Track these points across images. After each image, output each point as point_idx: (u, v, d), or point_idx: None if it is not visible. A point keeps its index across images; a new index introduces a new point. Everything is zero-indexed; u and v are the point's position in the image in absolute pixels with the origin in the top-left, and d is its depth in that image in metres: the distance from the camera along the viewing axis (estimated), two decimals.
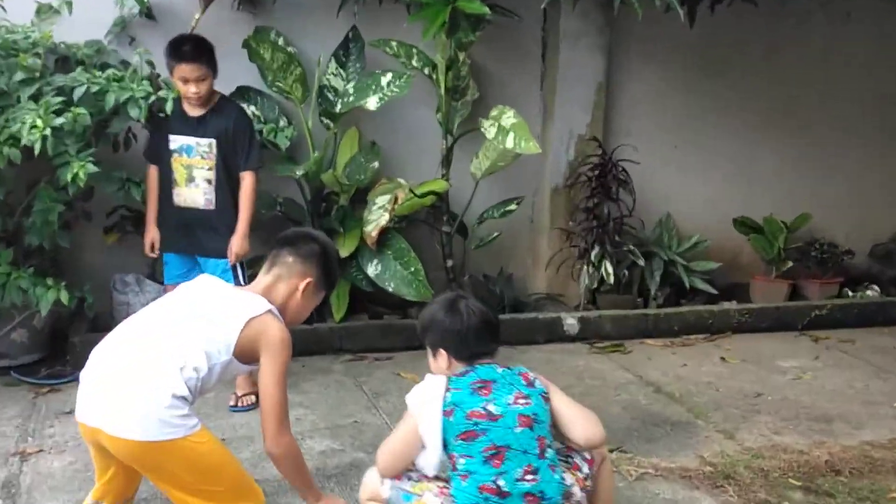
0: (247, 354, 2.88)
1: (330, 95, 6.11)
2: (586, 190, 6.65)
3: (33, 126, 4.49)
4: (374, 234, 5.75)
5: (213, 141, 4.88)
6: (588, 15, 6.52)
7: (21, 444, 4.49)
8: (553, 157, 6.67)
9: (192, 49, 4.78)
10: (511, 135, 5.69)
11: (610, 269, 6.47)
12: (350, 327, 6.04)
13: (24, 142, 4.50)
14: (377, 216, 5.75)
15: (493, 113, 5.83)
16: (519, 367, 3.16)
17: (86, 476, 4.07)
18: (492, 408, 3.01)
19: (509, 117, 5.73)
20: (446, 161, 6.31)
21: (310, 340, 5.91)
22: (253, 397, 5.05)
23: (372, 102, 5.89)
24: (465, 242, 6.51)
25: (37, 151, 4.50)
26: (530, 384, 3.10)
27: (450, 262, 6.34)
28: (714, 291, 6.89)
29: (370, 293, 6.13)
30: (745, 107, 7.22)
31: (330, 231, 5.90)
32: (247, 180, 4.93)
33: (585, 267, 6.55)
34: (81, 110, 4.74)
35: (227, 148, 4.90)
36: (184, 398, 2.71)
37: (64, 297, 4.90)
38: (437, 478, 3.09)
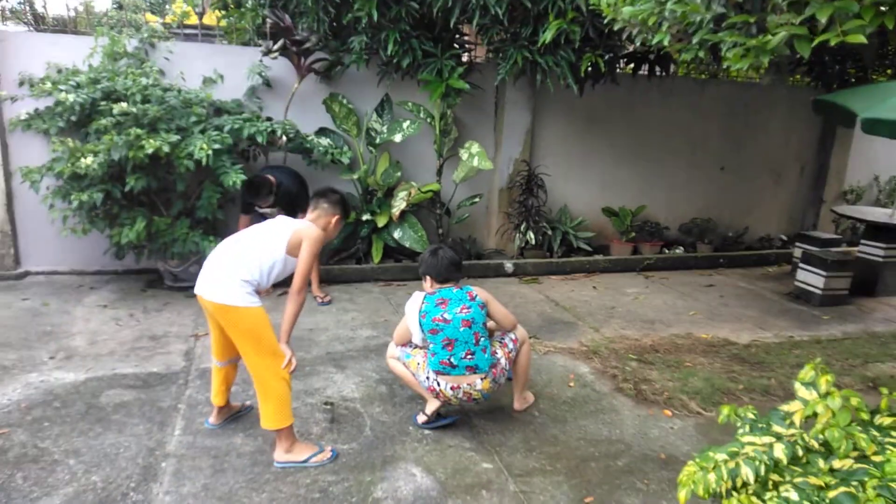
0: (295, 251, 2.85)
1: (372, 133, 6.07)
2: (519, 190, 6.65)
3: (201, 148, 4.47)
4: (397, 213, 5.75)
5: (279, 209, 4.89)
6: (522, 89, 6.48)
7: (194, 331, 4.53)
8: (500, 171, 6.66)
9: (256, 191, 4.75)
10: (476, 157, 5.70)
11: (531, 236, 6.51)
12: (383, 267, 6.05)
13: (196, 157, 4.48)
14: (399, 203, 5.75)
15: (466, 145, 5.84)
16: (468, 287, 3.21)
17: None
18: (447, 316, 3.10)
19: (475, 147, 5.74)
20: (439, 172, 6.30)
21: (360, 274, 5.95)
22: (329, 297, 5.17)
23: (398, 137, 5.86)
24: (449, 220, 6.51)
25: (203, 163, 4.49)
26: (472, 299, 3.17)
27: (441, 231, 6.36)
28: (590, 249, 6.92)
29: (394, 248, 6.13)
30: (611, 144, 7.22)
31: (372, 211, 5.93)
32: (299, 216, 4.87)
33: (517, 234, 6.58)
34: (227, 135, 4.72)
35: (290, 205, 4.92)
36: (249, 282, 2.75)
37: None
38: (422, 347, 3.21)
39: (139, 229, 4.58)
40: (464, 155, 5.77)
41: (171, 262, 5.25)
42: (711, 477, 1.78)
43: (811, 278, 6.04)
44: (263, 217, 4.99)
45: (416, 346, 3.24)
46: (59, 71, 5.17)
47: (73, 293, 5.26)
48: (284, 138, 5.12)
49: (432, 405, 3.20)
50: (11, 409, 3.28)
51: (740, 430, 2.23)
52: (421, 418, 3.25)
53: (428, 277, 3.27)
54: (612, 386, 3.90)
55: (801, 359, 4.47)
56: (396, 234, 5.92)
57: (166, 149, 4.35)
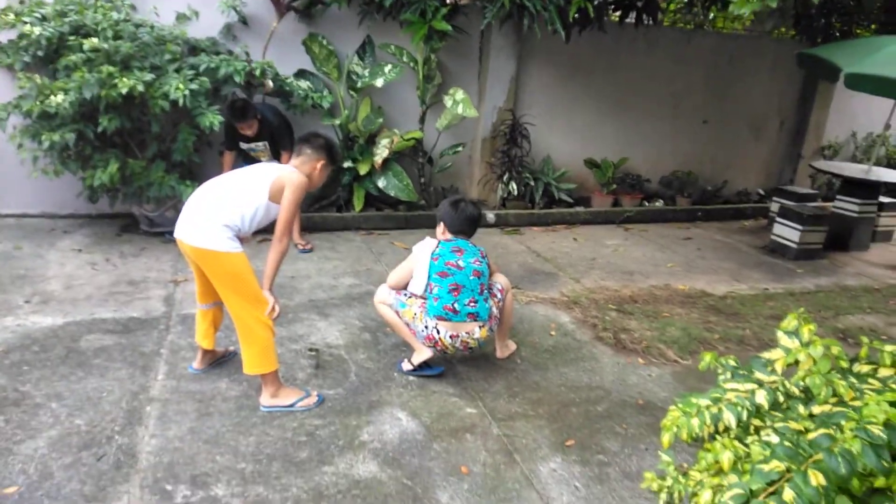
0: (277, 197, 2.77)
1: (354, 77, 5.90)
2: (502, 140, 6.58)
3: (177, 88, 4.31)
4: (380, 161, 5.67)
5: (265, 142, 4.86)
6: (507, 35, 6.34)
7: (173, 276, 4.47)
8: (483, 120, 6.54)
9: (241, 111, 4.58)
10: (461, 104, 5.61)
11: (514, 187, 6.49)
12: (365, 216, 5.99)
13: (171, 97, 4.33)
14: (382, 151, 5.66)
15: (451, 91, 5.73)
16: (481, 247, 3.27)
17: None
18: (460, 263, 3.13)
19: (460, 94, 5.63)
20: (422, 119, 6.20)
21: (341, 223, 5.89)
22: (310, 245, 5.13)
23: (379, 82, 5.72)
24: (432, 169, 6.44)
25: (180, 104, 4.34)
26: (484, 257, 3.24)
27: (423, 180, 6.29)
28: (571, 201, 6.93)
29: (376, 196, 6.06)
30: (596, 94, 7.15)
31: (354, 159, 5.84)
32: (285, 155, 4.82)
33: (500, 185, 6.55)
34: (205, 78, 4.56)
35: (273, 141, 4.87)
36: (230, 227, 2.70)
37: None
38: (420, 297, 3.18)
39: (112, 172, 4.45)
40: (448, 102, 5.66)
41: (147, 206, 5.13)
42: (695, 422, 1.83)
43: (787, 232, 6.15)
44: (248, 155, 4.91)
45: (413, 296, 3.21)
46: (22, 1, 4.89)
47: (46, 237, 5.12)
48: (271, 83, 4.96)
49: (422, 354, 3.22)
50: None
51: (722, 378, 2.30)
52: (406, 366, 3.29)
53: (443, 224, 3.29)
54: (592, 335, 3.97)
55: (775, 310, 4.60)
56: (381, 183, 5.84)
57: (140, 88, 4.18)
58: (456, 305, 3.08)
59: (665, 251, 6.06)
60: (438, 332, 3.10)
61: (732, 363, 2.31)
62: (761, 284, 5.24)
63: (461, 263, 3.13)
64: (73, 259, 4.66)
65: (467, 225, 3.29)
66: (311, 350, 3.42)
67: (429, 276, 3.12)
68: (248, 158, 4.95)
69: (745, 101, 7.91)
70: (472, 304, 3.11)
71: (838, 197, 6.70)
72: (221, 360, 3.27)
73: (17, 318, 3.65)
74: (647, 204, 7.32)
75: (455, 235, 3.27)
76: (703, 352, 3.86)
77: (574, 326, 4.08)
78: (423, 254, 3.17)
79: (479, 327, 3.13)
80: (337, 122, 5.76)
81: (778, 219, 6.30)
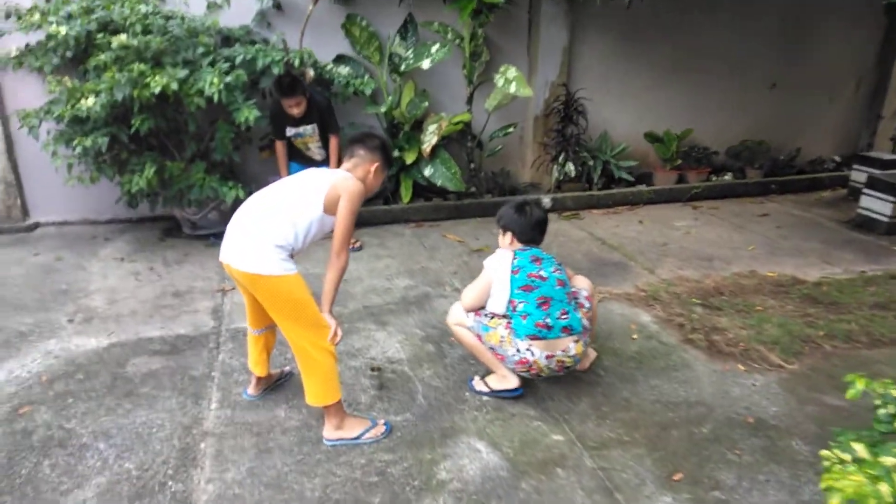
0: (332, 208, 2.45)
1: (396, 59, 5.52)
2: (556, 117, 6.12)
3: (212, 83, 4.01)
4: (428, 149, 5.29)
5: (314, 125, 4.50)
6: (559, 3, 5.86)
7: (220, 285, 4.22)
8: (535, 97, 6.09)
9: (289, 87, 4.25)
10: (514, 83, 5.17)
11: (571, 167, 6.05)
12: (413, 207, 5.65)
13: (206, 94, 4.03)
14: (430, 137, 5.28)
15: (501, 69, 5.28)
16: (553, 256, 2.94)
17: None
18: (543, 273, 2.79)
19: (512, 72, 5.19)
20: (469, 100, 5.79)
21: (389, 215, 5.58)
22: (359, 243, 4.84)
23: (426, 63, 5.32)
24: (482, 153, 6.03)
25: (215, 100, 4.04)
26: (561, 264, 2.92)
27: (472, 166, 5.90)
28: (632, 179, 6.45)
29: (424, 186, 5.71)
30: (653, 63, 6.58)
31: (400, 147, 5.48)
32: (334, 140, 4.55)
33: (555, 166, 6.11)
34: (241, 71, 4.25)
35: (321, 125, 4.52)
36: (282, 247, 2.38)
37: (241, 193, 4.53)
38: (503, 316, 2.82)
39: (150, 176, 4.20)
40: (499, 81, 5.23)
41: (189, 209, 4.90)
42: (884, 489, 1.45)
43: (877, 205, 5.57)
44: (295, 147, 4.60)
45: (494, 316, 2.85)
46: (48, 0, 4.65)
47: (87, 245, 4.95)
48: (311, 72, 4.63)
49: (508, 382, 2.88)
50: (32, 384, 3.02)
51: (881, 411, 1.91)
52: (480, 387, 2.95)
53: (511, 234, 2.93)
54: (680, 337, 3.57)
55: (878, 297, 4.10)
56: (427, 172, 5.48)
57: (174, 86, 3.90)
58: (548, 321, 2.73)
59: (741, 231, 5.57)
60: (532, 355, 2.74)
61: (894, 392, 1.91)
62: (856, 266, 4.73)
63: (543, 273, 2.78)
64: (115, 269, 4.46)
65: (539, 231, 2.93)
66: (373, 370, 3.12)
67: (511, 292, 2.77)
68: (294, 151, 4.65)
69: (817, 62, 7.22)
70: (564, 316, 2.76)
71: None
72: (277, 383, 3.00)
73: (61, 339, 3.45)
74: (714, 178, 6.79)
75: (525, 245, 2.91)
76: (807, 351, 3.48)
77: (658, 327, 3.68)
78: (501, 268, 2.81)
79: (575, 342, 2.78)
80: (382, 109, 5.40)
81: (866, 190, 5.71)
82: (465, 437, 2.66)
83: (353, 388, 3.00)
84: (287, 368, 3.10)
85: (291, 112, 4.36)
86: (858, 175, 6.62)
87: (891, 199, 5.45)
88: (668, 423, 2.79)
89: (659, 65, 6.61)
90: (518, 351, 2.74)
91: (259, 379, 2.88)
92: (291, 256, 2.45)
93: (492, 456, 2.55)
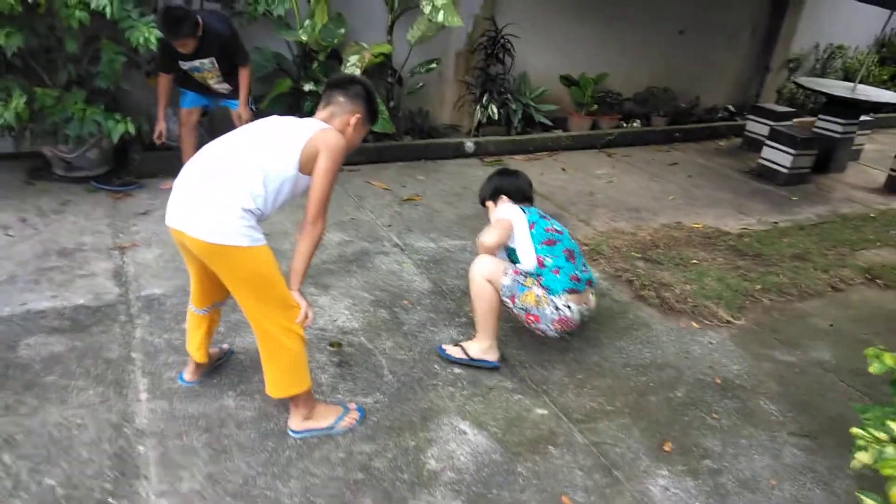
0: (309, 166, 2.04)
1: None
2: (481, 54, 5.80)
3: None
4: None
5: (212, 58, 3.86)
6: None
7: (115, 240, 3.60)
8: (456, 31, 5.69)
9: (174, 27, 3.56)
10: (441, 12, 4.78)
11: (494, 110, 5.79)
12: None
13: (94, 6, 3.27)
14: (352, 70, 4.75)
15: None
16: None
17: (176, 266, 3.31)
18: (556, 227, 2.68)
19: None
20: (390, 30, 5.31)
21: None
22: None
23: None
24: (401, 90, 5.60)
25: (108, 15, 3.30)
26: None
27: (391, 104, 5.47)
28: (550, 123, 6.35)
29: None
30: (578, 11, 6.38)
31: (316, 80, 4.92)
32: (243, 72, 4.01)
33: (478, 108, 5.81)
34: None
35: (224, 56, 3.89)
36: (251, 212, 1.96)
37: (131, 128, 3.85)
38: (534, 275, 2.62)
39: (19, 107, 3.39)
40: (426, 7, 4.78)
41: (63, 147, 4.09)
42: None
43: (778, 156, 5.91)
44: (191, 78, 3.96)
45: (529, 276, 2.61)
46: None
47: None
48: None
49: (490, 354, 2.70)
50: None
51: None
52: (456, 353, 2.74)
53: (504, 197, 2.74)
54: (632, 294, 3.56)
55: (795, 248, 4.36)
56: None
57: None
58: (578, 273, 2.62)
59: (657, 180, 5.68)
60: (570, 311, 2.58)
61: None
62: (767, 217, 5.00)
63: (557, 227, 2.69)
64: None
65: (530, 189, 2.77)
66: (331, 346, 2.79)
67: (535, 248, 2.59)
68: (193, 81, 4.00)
69: (721, 9, 7.41)
70: (584, 268, 2.69)
71: (821, 117, 6.50)
72: (217, 363, 2.59)
73: None
74: (625, 125, 6.86)
75: (522, 203, 2.72)
76: (748, 305, 3.61)
77: (608, 284, 3.64)
78: (517, 220, 2.63)
79: (592, 294, 2.74)
80: (303, 36, 4.75)
81: (768, 141, 6.03)
82: (447, 417, 2.45)
83: (310, 368, 2.66)
84: (226, 346, 2.69)
85: (181, 49, 3.72)
86: (753, 125, 7.01)
87: (791, 151, 5.79)
88: (643, 388, 2.76)
89: (578, 9, 6.41)
90: (557, 308, 2.58)
91: (198, 364, 2.45)
92: (258, 222, 2.03)
93: (479, 438, 2.37)
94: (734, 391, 2.80)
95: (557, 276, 2.57)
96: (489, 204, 2.84)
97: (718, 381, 2.86)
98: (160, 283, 3.18)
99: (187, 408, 2.36)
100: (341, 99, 2.17)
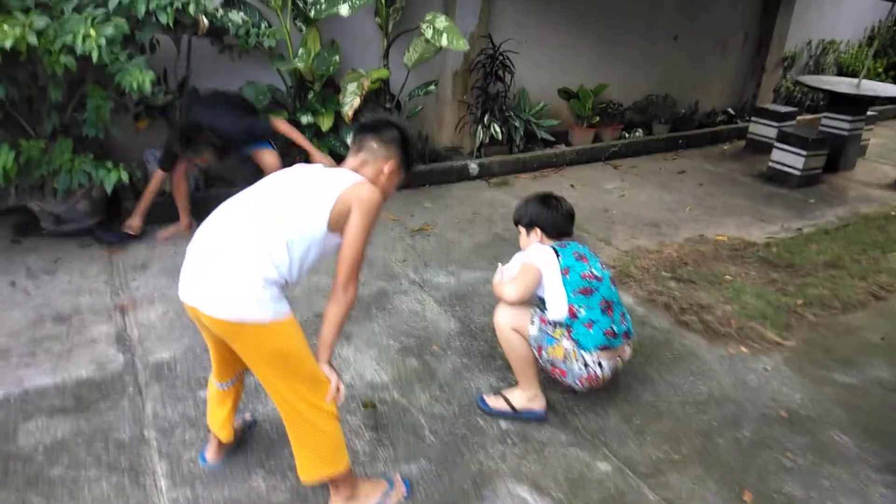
0: (340, 224, 1.80)
1: (302, 3, 4.63)
2: (479, 73, 5.61)
3: (87, 36, 3.02)
4: (350, 112, 4.54)
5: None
6: None
7: (115, 299, 3.33)
8: (453, 52, 5.45)
9: (190, 145, 3.49)
10: (445, 35, 4.57)
11: (497, 129, 5.60)
12: None
13: (80, 51, 3.03)
14: (351, 99, 4.54)
15: (428, 18, 4.64)
16: (587, 246, 2.54)
17: (183, 323, 3.06)
18: (595, 272, 2.37)
19: (442, 21, 4.58)
20: (386, 55, 5.11)
21: None
22: None
23: (344, 9, 4.45)
24: (399, 115, 5.37)
25: (95, 60, 3.05)
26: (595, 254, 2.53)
27: None
28: (552, 139, 6.18)
29: (343, 156, 4.98)
30: (570, 12, 6.24)
31: (314, 111, 4.70)
32: (271, 158, 3.89)
33: (480, 128, 5.61)
34: (121, 20, 3.25)
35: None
36: (275, 281, 1.71)
37: (124, 175, 3.58)
38: (564, 326, 2.36)
39: (8, 163, 3.13)
40: (427, 32, 4.59)
41: (51, 200, 3.83)
42: None
43: (789, 158, 5.76)
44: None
45: (558, 326, 2.37)
46: None
47: None
48: (205, 19, 3.69)
49: (535, 403, 2.47)
50: None
51: None
52: (498, 404, 2.52)
53: (537, 229, 2.50)
54: (672, 319, 3.34)
55: (825, 255, 4.18)
56: (349, 139, 4.76)
57: (32, 39, 2.86)
58: (614, 328, 2.38)
59: (669, 191, 5.51)
60: (601, 368, 2.35)
61: None
62: (790, 224, 4.82)
63: (595, 272, 2.40)
64: None
65: (569, 224, 2.54)
66: (365, 406, 2.54)
67: (567, 297, 2.34)
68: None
69: (712, 15, 7.31)
70: (623, 320, 2.44)
71: (826, 115, 6.38)
72: (240, 439, 2.33)
73: None
74: (628, 136, 6.68)
75: (557, 239, 2.49)
76: (794, 323, 3.37)
77: (644, 310, 3.43)
78: (547, 266, 2.36)
79: (628, 346, 2.49)
80: (300, 64, 4.53)
81: (777, 144, 5.88)
82: (502, 482, 2.21)
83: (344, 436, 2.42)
84: (249, 416, 2.44)
85: (200, 164, 3.56)
86: (756, 127, 6.88)
87: (803, 152, 5.64)
88: (708, 429, 2.53)
89: (572, 12, 6.27)
90: (586, 365, 2.34)
91: (221, 443, 2.20)
92: (282, 291, 1.79)
93: None
94: (802, 424, 2.59)
95: (590, 330, 2.33)
96: (521, 229, 2.61)
97: (784, 414, 2.65)
98: (167, 346, 2.92)
99: (212, 494, 2.10)
100: (374, 145, 1.95)
